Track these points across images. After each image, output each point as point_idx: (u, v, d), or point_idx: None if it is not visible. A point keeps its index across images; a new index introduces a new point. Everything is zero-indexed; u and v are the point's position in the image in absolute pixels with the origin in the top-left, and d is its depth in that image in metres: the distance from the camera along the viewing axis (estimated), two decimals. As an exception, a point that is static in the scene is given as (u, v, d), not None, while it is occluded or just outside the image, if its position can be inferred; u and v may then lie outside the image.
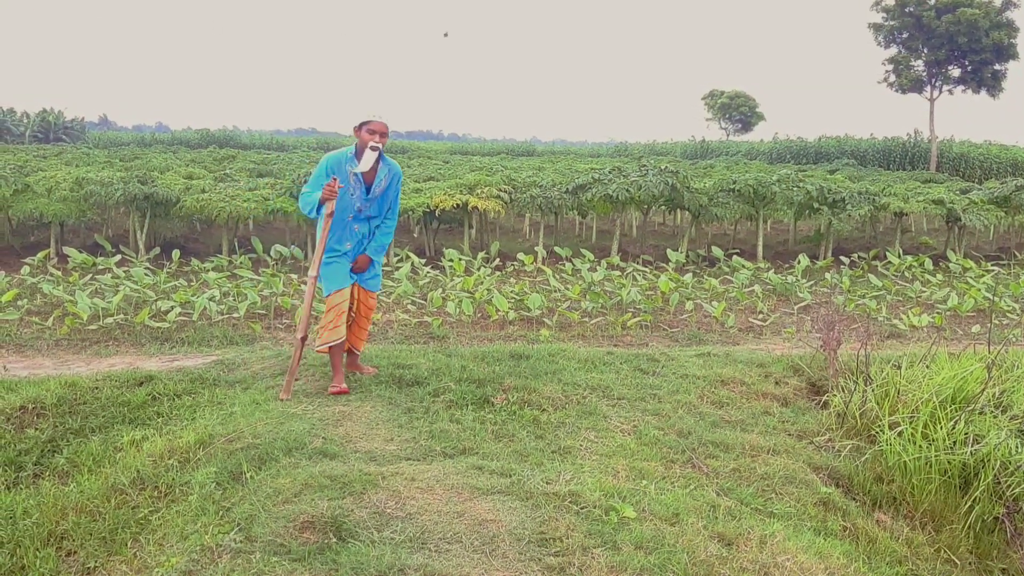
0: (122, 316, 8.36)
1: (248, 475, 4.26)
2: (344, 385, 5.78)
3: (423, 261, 12.11)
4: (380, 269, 6.17)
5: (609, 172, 15.24)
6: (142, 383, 5.96)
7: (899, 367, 6.14)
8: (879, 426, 5.48)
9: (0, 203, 13.15)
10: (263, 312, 9.06)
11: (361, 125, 5.67)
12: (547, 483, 4.23)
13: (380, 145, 5.63)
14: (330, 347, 5.77)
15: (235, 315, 8.66)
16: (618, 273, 11.49)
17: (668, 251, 13.06)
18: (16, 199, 13.05)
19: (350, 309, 5.96)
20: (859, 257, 13.88)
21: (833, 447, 5.48)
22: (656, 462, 4.72)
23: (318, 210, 5.67)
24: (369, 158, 5.60)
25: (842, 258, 13.64)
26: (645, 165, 15.47)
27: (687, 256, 13.60)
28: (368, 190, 5.81)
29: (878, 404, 5.71)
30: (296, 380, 5.83)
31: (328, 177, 5.68)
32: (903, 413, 5.49)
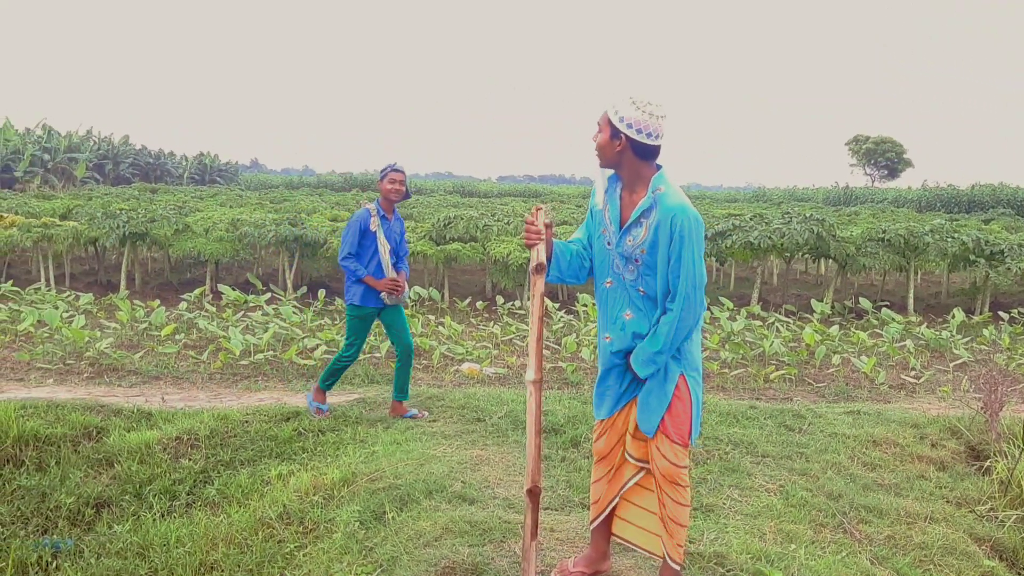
0: (271, 352, 8.70)
1: (390, 516, 4.31)
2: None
3: (556, 305, 12.12)
4: (667, 395, 3.27)
5: (751, 219, 14.93)
6: (289, 418, 6.16)
7: (1071, 434, 5.69)
8: (1050, 497, 5.07)
9: (162, 241, 13.99)
10: (402, 352, 9.24)
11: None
12: (690, 542, 4.09)
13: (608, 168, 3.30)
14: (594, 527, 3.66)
15: (376, 354, 8.87)
16: (759, 323, 11.17)
17: (812, 301, 12.60)
18: (177, 238, 13.86)
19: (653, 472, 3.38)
20: (1019, 313, 13.03)
21: (996, 517, 5.10)
22: (805, 525, 4.50)
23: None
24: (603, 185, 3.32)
25: (1000, 313, 12.82)
26: (788, 212, 15.09)
27: (832, 307, 13.10)
28: (622, 234, 3.29)
29: (1048, 473, 5.30)
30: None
31: (592, 213, 3.42)
32: (1078, 485, 5.07)
